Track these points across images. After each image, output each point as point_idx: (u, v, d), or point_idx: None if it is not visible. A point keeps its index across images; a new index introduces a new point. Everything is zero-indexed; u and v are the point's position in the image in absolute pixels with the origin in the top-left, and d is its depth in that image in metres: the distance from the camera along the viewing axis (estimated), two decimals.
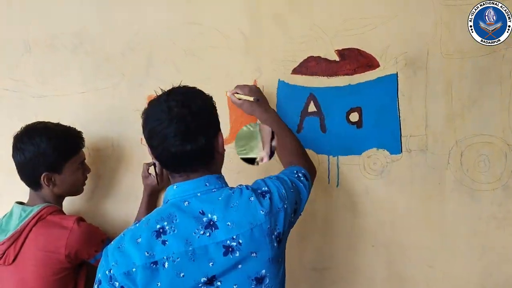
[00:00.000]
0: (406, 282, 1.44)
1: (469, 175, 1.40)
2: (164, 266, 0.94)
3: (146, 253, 0.94)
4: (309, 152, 1.43)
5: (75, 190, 1.42)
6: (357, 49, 1.43)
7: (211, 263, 0.95)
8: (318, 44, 1.45)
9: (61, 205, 1.40)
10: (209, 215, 0.98)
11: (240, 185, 1.06)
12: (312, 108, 1.46)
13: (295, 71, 1.47)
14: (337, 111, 1.45)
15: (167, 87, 1.07)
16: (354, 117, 1.44)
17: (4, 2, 1.60)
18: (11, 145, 1.33)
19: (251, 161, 1.31)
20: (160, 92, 1.05)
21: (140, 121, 1.05)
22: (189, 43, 1.51)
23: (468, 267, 1.40)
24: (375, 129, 1.43)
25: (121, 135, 1.55)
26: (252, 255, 0.97)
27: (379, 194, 1.44)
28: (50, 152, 1.30)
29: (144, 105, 1.07)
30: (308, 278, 1.47)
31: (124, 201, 1.56)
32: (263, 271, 0.99)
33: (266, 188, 1.05)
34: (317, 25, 1.45)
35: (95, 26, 1.56)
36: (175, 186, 1.03)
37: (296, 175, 1.16)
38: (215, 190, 1.02)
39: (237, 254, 0.96)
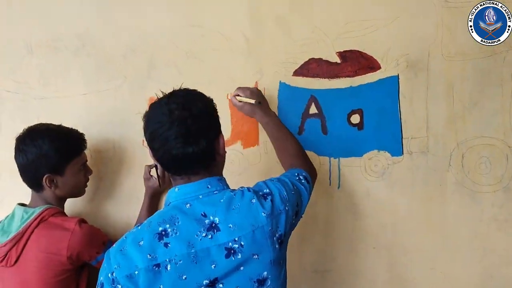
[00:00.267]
0: (407, 284, 1.43)
1: (470, 177, 1.40)
2: (166, 268, 0.94)
3: (148, 255, 0.94)
4: (310, 154, 1.44)
5: (77, 191, 1.42)
6: (359, 51, 1.43)
7: (213, 265, 0.95)
8: (320, 46, 1.45)
9: (63, 207, 1.41)
10: (211, 217, 0.98)
11: (241, 187, 1.07)
12: (313, 110, 1.46)
13: (296, 73, 1.47)
14: (338, 113, 1.45)
15: (168, 89, 1.07)
16: (355, 119, 1.44)
17: (6, 4, 1.61)
18: (14, 146, 1.34)
19: None
20: (161, 95, 1.06)
21: (141, 123, 1.06)
22: (190, 45, 1.51)
23: (469, 269, 1.40)
24: (376, 131, 1.43)
25: (123, 137, 1.56)
26: (254, 257, 0.97)
27: (380, 196, 1.44)
28: (52, 154, 1.31)
29: (145, 107, 1.08)
30: (309, 280, 1.47)
31: (125, 203, 1.56)
32: (265, 273, 0.99)
33: (267, 190, 1.05)
34: (319, 27, 1.45)
35: (97, 28, 1.56)
36: (176, 189, 1.03)
37: (297, 178, 1.17)
38: (216, 192, 1.03)
39: (239, 256, 0.96)
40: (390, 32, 1.42)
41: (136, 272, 0.93)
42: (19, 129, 1.35)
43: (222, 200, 1.00)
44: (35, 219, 1.29)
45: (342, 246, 1.46)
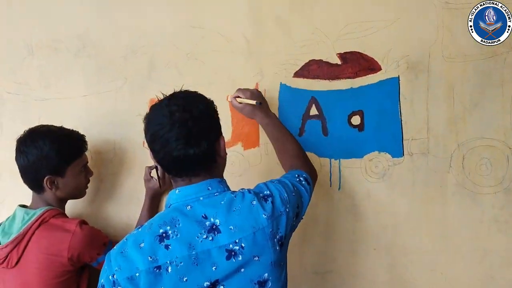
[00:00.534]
0: (408, 285, 1.43)
1: (471, 178, 1.39)
2: (167, 270, 0.94)
3: (149, 257, 0.94)
4: (311, 155, 1.44)
5: (78, 193, 1.42)
6: (359, 52, 1.44)
7: (214, 267, 0.95)
8: (320, 48, 1.45)
9: (63, 208, 1.41)
10: (212, 219, 0.98)
11: (242, 188, 1.07)
12: (314, 111, 1.46)
13: (297, 74, 1.47)
14: (338, 114, 1.45)
15: (169, 91, 1.07)
16: (356, 120, 1.44)
17: (7, 6, 1.61)
18: (14, 148, 1.34)
19: None
20: (161, 97, 1.06)
21: (142, 124, 1.06)
22: (191, 46, 1.51)
23: (470, 270, 1.40)
24: (377, 132, 1.43)
25: (123, 138, 1.56)
26: (255, 258, 0.97)
27: (381, 198, 1.44)
28: (53, 155, 1.31)
29: (146, 108, 1.09)
30: (309, 282, 1.47)
31: (126, 204, 1.56)
32: (266, 274, 0.99)
33: (268, 192, 1.05)
34: (319, 28, 1.45)
35: (98, 29, 1.57)
36: (177, 191, 1.03)
37: (298, 179, 1.17)
38: (217, 194, 1.03)
39: (240, 258, 0.96)
40: (390, 33, 1.42)
41: (137, 274, 0.93)
42: (20, 130, 1.35)
43: (222, 202, 1.00)
44: (36, 220, 1.29)
45: (343, 247, 1.46)
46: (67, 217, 1.38)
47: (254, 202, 1.01)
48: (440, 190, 1.41)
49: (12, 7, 1.61)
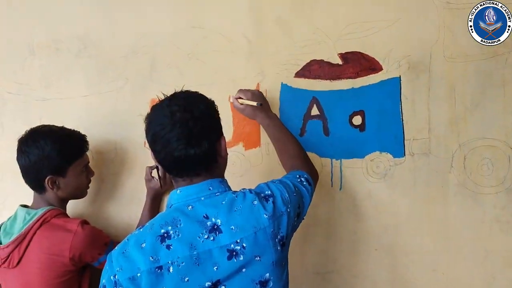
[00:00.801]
0: (409, 285, 1.43)
1: (472, 179, 1.39)
2: (169, 270, 0.94)
3: (150, 258, 0.94)
4: (312, 155, 1.44)
5: (79, 193, 1.42)
6: (360, 52, 1.43)
7: (216, 267, 0.95)
8: (321, 48, 1.45)
9: (65, 208, 1.41)
10: (213, 219, 0.98)
11: (243, 189, 1.07)
12: (315, 111, 1.46)
13: (298, 74, 1.47)
14: (340, 114, 1.45)
15: (170, 91, 1.07)
16: (357, 120, 1.44)
17: (8, 6, 1.61)
18: (16, 148, 1.34)
19: None
20: (162, 97, 1.06)
21: (143, 124, 1.06)
22: (192, 47, 1.51)
23: (471, 270, 1.40)
24: (378, 132, 1.43)
25: (125, 139, 1.56)
26: (256, 258, 0.97)
27: (382, 198, 1.44)
28: (54, 155, 1.31)
29: (147, 108, 1.08)
30: (310, 282, 1.47)
31: (127, 204, 1.56)
32: (267, 274, 0.99)
33: (269, 192, 1.05)
34: (320, 28, 1.45)
35: (99, 29, 1.57)
36: (178, 191, 1.03)
37: (299, 180, 1.16)
38: (218, 194, 1.03)
39: (241, 258, 0.96)
40: (391, 33, 1.42)
41: (139, 275, 0.93)
42: (21, 130, 1.35)
43: (224, 202, 1.00)
44: (38, 220, 1.29)
45: (344, 247, 1.46)
46: (69, 217, 1.38)
47: (255, 202, 1.01)
48: (441, 190, 1.41)
49: (12, 7, 1.61)
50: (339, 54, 1.45)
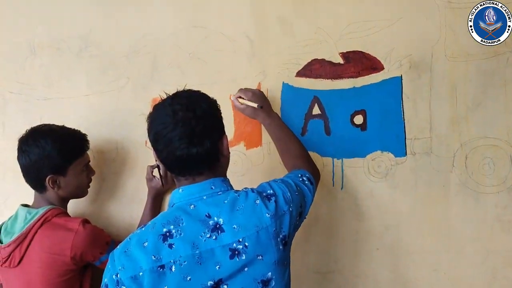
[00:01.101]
0: (411, 285, 1.43)
1: (473, 178, 1.39)
2: (171, 269, 0.94)
3: (153, 256, 0.94)
4: (314, 154, 1.44)
5: (80, 192, 1.42)
6: (362, 51, 1.43)
7: (218, 266, 0.95)
8: (323, 47, 1.45)
9: (66, 208, 1.41)
10: (215, 218, 0.98)
11: (245, 188, 1.07)
12: (316, 110, 1.46)
13: (300, 74, 1.47)
14: (341, 113, 1.45)
15: (172, 91, 1.07)
16: (359, 119, 1.44)
17: (9, 5, 1.61)
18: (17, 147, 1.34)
19: None
20: (164, 96, 1.06)
21: (145, 124, 1.06)
22: (194, 46, 1.51)
23: (473, 270, 1.40)
24: (380, 131, 1.43)
25: (126, 138, 1.56)
26: (258, 258, 0.97)
27: (384, 197, 1.44)
28: (55, 154, 1.30)
29: (148, 108, 1.08)
30: (312, 282, 1.47)
31: (128, 203, 1.56)
32: (269, 274, 0.99)
33: (271, 191, 1.05)
34: (322, 28, 1.45)
35: (100, 29, 1.56)
36: (180, 190, 1.03)
37: (301, 179, 1.16)
38: (220, 193, 1.03)
39: (244, 257, 0.96)
40: (393, 32, 1.42)
41: (141, 273, 0.93)
42: (22, 130, 1.35)
43: (226, 201, 1.00)
44: (39, 219, 1.29)
45: (345, 247, 1.46)
46: (70, 216, 1.38)
47: (258, 201, 1.01)
48: (443, 189, 1.41)
49: (14, 7, 1.61)
50: (340, 53, 1.45)
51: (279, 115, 1.46)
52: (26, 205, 1.37)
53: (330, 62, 1.45)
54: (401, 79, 1.42)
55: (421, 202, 1.42)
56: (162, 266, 0.94)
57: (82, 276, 1.35)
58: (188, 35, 1.52)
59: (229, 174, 1.12)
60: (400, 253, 1.43)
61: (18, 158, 1.34)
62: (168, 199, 1.42)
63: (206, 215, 0.98)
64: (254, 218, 0.99)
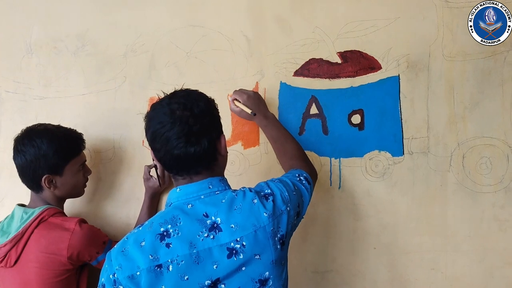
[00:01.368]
0: (408, 284, 1.43)
1: (471, 177, 1.39)
2: (168, 269, 0.94)
3: (150, 256, 0.94)
4: (311, 154, 1.44)
5: (76, 192, 1.42)
6: (359, 51, 1.43)
7: (215, 266, 0.95)
8: (320, 47, 1.45)
9: (62, 207, 1.40)
10: (213, 218, 0.98)
11: (243, 187, 1.07)
12: (314, 110, 1.46)
13: (297, 73, 1.47)
14: (339, 113, 1.45)
15: (169, 90, 1.07)
16: (356, 119, 1.44)
17: (6, 4, 1.60)
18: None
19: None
20: (162, 95, 1.06)
21: (142, 123, 1.06)
22: (191, 45, 1.51)
23: (470, 269, 1.40)
24: (377, 131, 1.43)
25: (123, 137, 1.55)
26: (256, 257, 0.97)
27: (381, 197, 1.44)
28: (51, 154, 1.30)
29: (146, 107, 1.08)
30: (309, 281, 1.47)
31: (125, 203, 1.56)
32: (267, 273, 0.98)
33: (269, 191, 1.05)
34: (319, 27, 1.45)
35: (98, 28, 1.56)
36: (178, 189, 1.03)
37: (298, 178, 1.16)
38: (218, 192, 1.03)
39: (241, 257, 0.96)
40: (390, 32, 1.42)
41: (138, 273, 0.93)
42: (19, 129, 1.35)
43: (224, 200, 1.00)
44: (35, 219, 1.28)
45: (343, 246, 1.46)
46: (66, 216, 1.38)
47: (255, 201, 1.01)
48: (440, 189, 1.41)
49: (10, 4, 1.60)
50: (338, 53, 1.45)
51: (277, 114, 1.46)
52: (22, 205, 1.36)
53: (327, 62, 1.45)
54: (399, 79, 1.42)
55: (418, 201, 1.42)
56: (160, 266, 0.94)
57: (79, 276, 1.34)
58: (185, 34, 1.51)
59: (227, 173, 1.12)
60: (397, 252, 1.43)
61: (14, 158, 1.33)
62: (165, 198, 1.42)
63: (203, 215, 0.98)
64: (252, 217, 0.98)
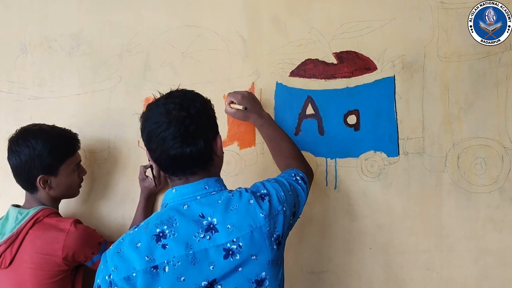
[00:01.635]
0: (404, 284, 1.44)
1: (466, 178, 1.40)
2: (164, 270, 0.93)
3: (146, 257, 0.94)
4: (307, 154, 1.44)
5: (71, 192, 1.41)
6: (355, 52, 1.44)
7: (212, 267, 0.95)
8: (316, 47, 1.45)
9: (57, 208, 1.40)
10: (209, 218, 0.97)
11: (239, 188, 1.06)
12: (310, 110, 1.46)
13: (293, 73, 1.47)
14: (334, 113, 1.45)
15: (165, 90, 1.07)
16: (352, 119, 1.44)
17: (1, 4, 1.59)
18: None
19: None
20: (158, 95, 1.05)
21: (137, 123, 1.06)
22: (187, 45, 1.51)
23: (465, 269, 1.41)
24: (373, 131, 1.43)
25: (118, 137, 1.55)
26: (252, 257, 0.97)
27: (377, 197, 1.44)
28: (45, 154, 1.29)
29: (141, 107, 1.08)
30: (305, 281, 1.47)
31: (120, 203, 1.55)
32: (263, 273, 0.98)
33: (265, 191, 1.05)
34: (315, 28, 1.45)
35: (93, 28, 1.55)
36: (174, 190, 1.03)
37: (294, 178, 1.16)
38: (214, 193, 1.02)
39: (238, 257, 0.96)
40: (386, 33, 1.42)
41: (134, 274, 0.93)
42: (13, 129, 1.34)
43: (220, 201, 1.00)
44: (30, 220, 1.28)
45: (339, 246, 1.46)
46: (61, 216, 1.37)
47: (252, 201, 1.01)
48: (435, 189, 1.41)
49: (4, 4, 1.59)
50: (334, 53, 1.45)
51: (273, 115, 1.46)
52: (17, 206, 1.35)
53: (323, 62, 1.45)
54: (394, 79, 1.42)
55: (413, 201, 1.42)
56: (156, 267, 0.93)
57: (74, 277, 1.34)
58: (181, 34, 1.51)
59: (223, 174, 1.12)
60: (393, 252, 1.44)
61: (8, 159, 1.32)
62: (161, 199, 1.42)
63: (199, 215, 0.98)
64: (248, 218, 0.98)
